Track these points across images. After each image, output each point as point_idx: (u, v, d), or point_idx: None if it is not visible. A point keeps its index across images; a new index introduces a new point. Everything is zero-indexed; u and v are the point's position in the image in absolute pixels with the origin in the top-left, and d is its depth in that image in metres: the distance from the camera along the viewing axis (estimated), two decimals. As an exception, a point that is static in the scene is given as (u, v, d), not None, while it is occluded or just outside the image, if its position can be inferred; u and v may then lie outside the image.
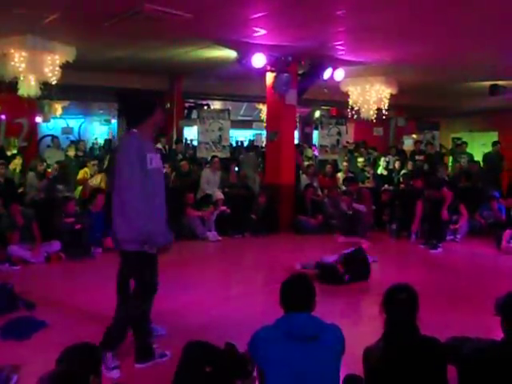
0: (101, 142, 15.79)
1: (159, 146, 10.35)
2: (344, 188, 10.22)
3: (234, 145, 16.03)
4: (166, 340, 4.25)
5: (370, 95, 10.91)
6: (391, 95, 11.07)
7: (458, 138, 14.23)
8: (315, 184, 10.43)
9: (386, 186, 10.97)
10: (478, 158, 12.36)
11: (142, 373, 3.58)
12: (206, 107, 13.94)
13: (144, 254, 3.55)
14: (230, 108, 12.68)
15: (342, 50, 8.58)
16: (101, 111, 15.77)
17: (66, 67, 8.37)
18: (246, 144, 16.91)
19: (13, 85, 8.34)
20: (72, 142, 12.54)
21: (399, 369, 2.57)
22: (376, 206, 9.83)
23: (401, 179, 11.08)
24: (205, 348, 2.45)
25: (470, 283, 6.25)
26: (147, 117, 3.66)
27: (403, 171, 11.31)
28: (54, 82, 8.33)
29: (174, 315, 4.65)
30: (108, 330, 3.64)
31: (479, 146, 14.19)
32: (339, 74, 9.78)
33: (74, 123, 16.06)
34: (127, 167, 3.48)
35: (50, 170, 9.56)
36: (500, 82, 10.84)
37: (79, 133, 15.95)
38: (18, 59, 7.90)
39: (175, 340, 4.06)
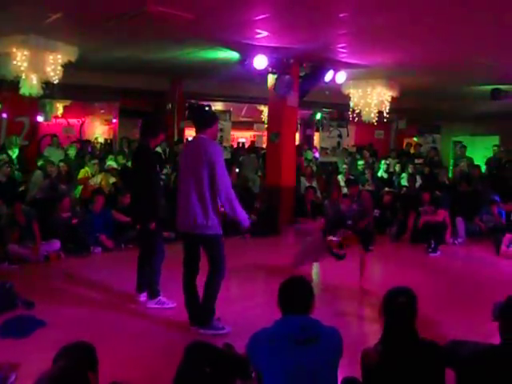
0: (101, 141, 15.77)
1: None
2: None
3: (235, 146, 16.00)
4: (166, 340, 4.25)
5: (372, 98, 10.90)
6: (392, 98, 11.06)
7: (459, 142, 14.20)
8: (314, 185, 10.44)
9: (386, 188, 10.94)
10: (479, 162, 12.34)
11: (143, 374, 3.57)
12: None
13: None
14: (231, 109, 12.69)
15: (344, 52, 8.58)
16: (102, 111, 15.75)
17: (67, 67, 8.38)
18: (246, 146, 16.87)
19: (15, 83, 8.35)
20: (74, 142, 12.50)
21: (397, 372, 2.57)
22: (376, 209, 9.81)
23: (406, 181, 11.00)
24: (207, 349, 2.45)
25: (469, 287, 6.24)
26: (213, 124, 4.41)
27: (404, 174, 11.29)
28: (55, 82, 8.34)
29: (174, 316, 4.64)
30: (204, 308, 4.30)
31: (480, 150, 14.17)
32: (341, 77, 9.78)
33: (74, 122, 16.04)
34: (222, 166, 4.42)
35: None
36: (502, 87, 10.84)
37: (80, 132, 15.93)
38: (20, 58, 7.90)
39: (175, 340, 4.07)
